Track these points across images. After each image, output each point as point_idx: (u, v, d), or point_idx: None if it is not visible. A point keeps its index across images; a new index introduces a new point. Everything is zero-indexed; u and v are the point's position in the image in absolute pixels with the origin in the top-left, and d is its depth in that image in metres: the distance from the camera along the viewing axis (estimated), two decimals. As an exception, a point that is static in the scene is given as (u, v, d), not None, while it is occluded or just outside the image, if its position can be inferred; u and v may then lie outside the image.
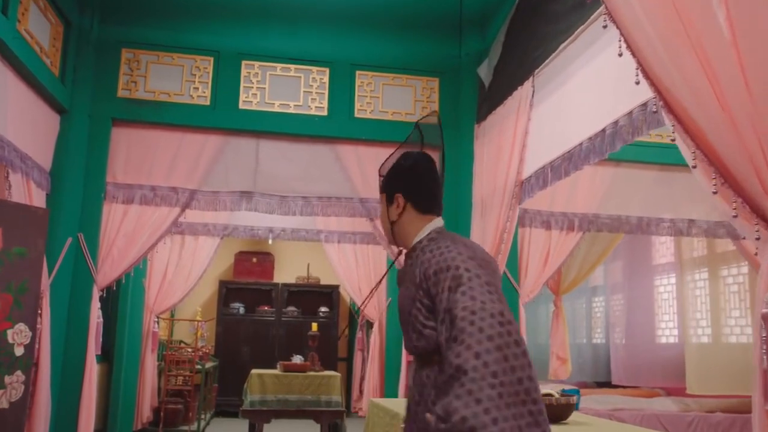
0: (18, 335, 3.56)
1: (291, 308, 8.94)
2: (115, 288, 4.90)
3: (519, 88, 4.07)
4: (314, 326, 6.23)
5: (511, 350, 1.43)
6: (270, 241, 9.22)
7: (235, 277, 9.06)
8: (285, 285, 9.04)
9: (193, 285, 6.86)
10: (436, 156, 1.86)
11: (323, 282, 9.11)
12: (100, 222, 4.42)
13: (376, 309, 6.28)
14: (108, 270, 4.38)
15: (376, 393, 5.89)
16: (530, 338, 6.28)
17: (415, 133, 1.91)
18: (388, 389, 5.19)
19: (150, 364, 6.43)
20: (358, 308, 7.14)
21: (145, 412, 6.30)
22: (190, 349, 7.26)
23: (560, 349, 5.50)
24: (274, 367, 5.94)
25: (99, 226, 4.41)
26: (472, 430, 1.35)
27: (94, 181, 4.43)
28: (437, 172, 1.84)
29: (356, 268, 6.54)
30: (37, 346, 3.94)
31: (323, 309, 8.96)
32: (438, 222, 1.80)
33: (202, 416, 7.08)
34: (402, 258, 1.86)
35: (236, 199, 4.68)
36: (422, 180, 1.81)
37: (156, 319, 6.66)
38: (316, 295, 9.15)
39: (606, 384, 6.95)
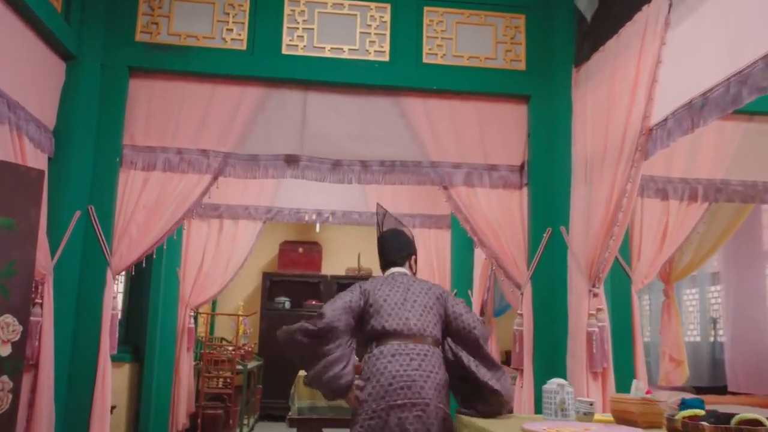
0: (3, 330, 2.76)
1: (341, 302, 8.14)
2: (133, 273, 4.13)
3: (644, 7, 3.10)
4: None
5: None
6: (317, 229, 8.47)
7: (280, 269, 8.37)
8: (334, 277, 8.32)
9: (232, 275, 6.11)
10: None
11: (375, 273, 8.25)
12: (115, 192, 3.63)
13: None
14: (125, 251, 3.58)
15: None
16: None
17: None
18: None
19: (186, 364, 5.73)
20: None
21: (181, 418, 5.63)
22: (230, 348, 6.64)
23: (673, 349, 4.51)
24: (325, 369, 5.13)
25: (114, 197, 3.62)
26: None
27: (108, 142, 3.64)
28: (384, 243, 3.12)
29: (415, 255, 5.65)
30: (36, 343, 3.18)
31: (376, 303, 8.13)
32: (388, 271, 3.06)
33: (245, 422, 6.42)
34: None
35: (280, 164, 3.83)
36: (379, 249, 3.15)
37: (192, 314, 5.94)
38: (368, 288, 8.33)
39: (710, 390, 5.87)
